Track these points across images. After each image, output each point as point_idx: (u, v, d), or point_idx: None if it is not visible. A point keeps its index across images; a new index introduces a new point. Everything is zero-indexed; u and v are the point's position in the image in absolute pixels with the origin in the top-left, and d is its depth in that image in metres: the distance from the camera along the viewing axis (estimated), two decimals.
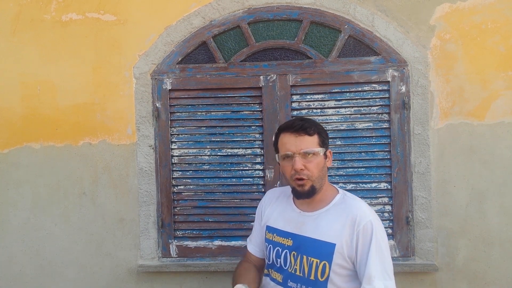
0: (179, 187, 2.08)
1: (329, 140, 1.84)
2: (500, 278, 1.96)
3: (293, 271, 1.37)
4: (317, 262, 1.32)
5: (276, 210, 1.50)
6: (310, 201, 1.39)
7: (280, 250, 1.42)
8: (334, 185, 1.47)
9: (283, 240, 1.41)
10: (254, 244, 1.61)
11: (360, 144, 1.99)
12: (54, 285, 2.13)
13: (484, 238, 1.96)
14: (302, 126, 1.35)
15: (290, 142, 1.35)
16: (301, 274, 1.34)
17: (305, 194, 1.36)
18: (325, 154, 1.39)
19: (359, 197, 1.96)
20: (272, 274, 1.45)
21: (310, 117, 1.99)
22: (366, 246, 1.27)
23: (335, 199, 1.39)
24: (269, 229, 1.49)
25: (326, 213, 1.37)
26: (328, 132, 1.97)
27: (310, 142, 1.35)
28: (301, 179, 1.34)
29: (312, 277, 1.32)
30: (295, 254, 1.37)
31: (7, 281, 2.14)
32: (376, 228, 1.28)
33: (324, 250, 1.31)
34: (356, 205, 1.34)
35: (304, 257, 1.34)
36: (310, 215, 1.39)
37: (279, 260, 1.41)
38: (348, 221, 1.31)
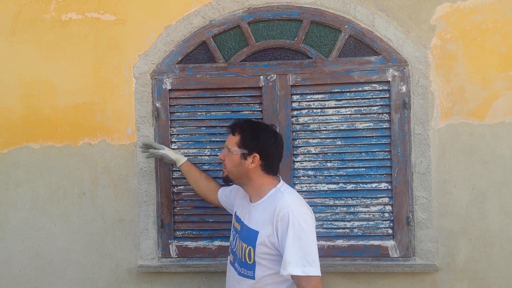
0: (179, 187, 2.07)
1: (329, 140, 1.99)
2: (501, 278, 1.96)
3: (237, 253, 1.59)
4: (245, 246, 1.53)
5: (238, 198, 1.72)
6: (252, 194, 1.60)
7: (234, 233, 1.66)
8: (280, 181, 1.60)
9: (236, 225, 1.65)
10: (223, 193, 1.87)
11: (360, 144, 1.98)
12: (54, 285, 2.12)
13: (484, 238, 1.96)
14: (232, 124, 1.63)
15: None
16: (240, 256, 1.56)
17: (223, 179, 1.65)
18: (244, 155, 1.54)
19: (360, 197, 1.99)
20: (229, 256, 1.67)
21: (310, 117, 2.01)
22: (284, 234, 1.41)
23: (269, 193, 1.55)
24: (234, 215, 1.70)
25: (259, 205, 1.55)
26: (328, 132, 2.00)
27: (231, 140, 1.59)
28: (224, 167, 1.63)
29: (243, 260, 1.53)
30: (238, 238, 1.60)
31: (6, 281, 2.14)
32: (294, 217, 1.42)
33: (250, 237, 1.51)
34: (282, 197, 1.49)
35: (240, 241, 1.57)
36: (252, 206, 1.58)
37: (233, 242, 1.65)
38: (271, 211, 1.48)
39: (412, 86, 1.96)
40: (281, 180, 1.61)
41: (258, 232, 1.49)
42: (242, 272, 1.54)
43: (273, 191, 1.55)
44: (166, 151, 1.94)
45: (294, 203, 1.47)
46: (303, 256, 1.39)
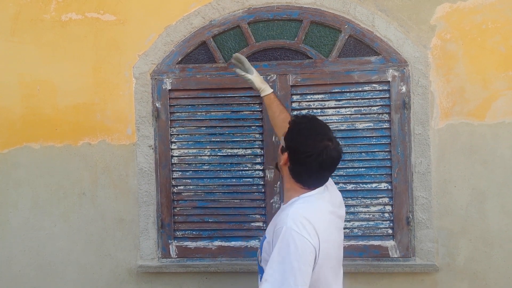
0: (179, 187, 2.07)
1: None
2: (501, 278, 1.96)
3: None
4: (258, 249, 1.42)
5: None
6: (283, 193, 1.47)
7: None
8: (310, 191, 1.36)
9: None
10: None
11: (360, 144, 1.98)
12: (54, 285, 2.12)
13: (484, 239, 1.96)
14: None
15: None
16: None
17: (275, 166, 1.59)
18: (282, 149, 1.38)
19: (360, 197, 1.99)
20: None
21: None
22: (272, 248, 1.25)
23: (291, 200, 1.38)
24: None
25: (280, 210, 1.43)
26: None
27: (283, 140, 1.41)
28: None
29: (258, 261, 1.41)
30: None
31: (7, 281, 2.14)
32: (285, 235, 1.22)
33: (261, 241, 1.39)
34: (289, 209, 1.30)
35: None
36: (280, 208, 1.46)
37: None
38: (276, 220, 1.34)
39: (412, 86, 1.96)
40: (316, 190, 1.35)
41: (265, 237, 1.36)
42: (259, 272, 1.43)
43: (294, 200, 1.35)
44: (252, 77, 1.77)
45: (293, 219, 1.25)
46: (280, 280, 1.19)
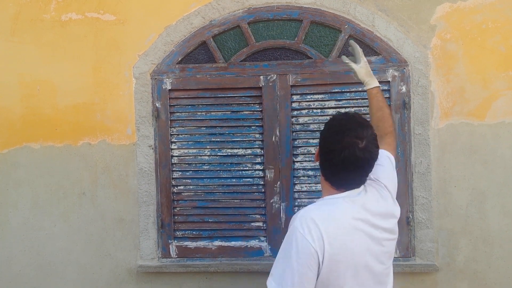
0: (179, 187, 2.07)
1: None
2: (501, 278, 1.96)
3: None
4: None
5: None
6: None
7: None
8: (338, 193, 1.30)
9: None
10: None
11: None
12: (54, 285, 2.12)
13: (484, 238, 1.96)
14: None
15: None
16: None
17: None
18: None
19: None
20: None
21: (310, 117, 2.01)
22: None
23: (318, 200, 1.35)
24: None
25: None
26: None
27: None
28: None
29: None
30: None
31: (7, 281, 2.13)
32: (290, 233, 1.22)
33: None
34: (304, 208, 1.28)
35: None
36: None
37: None
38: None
39: (412, 86, 1.96)
40: (347, 192, 1.27)
41: None
42: None
43: (318, 200, 1.32)
44: (356, 68, 1.65)
45: (301, 219, 1.22)
46: (281, 276, 1.19)
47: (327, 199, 1.29)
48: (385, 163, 1.45)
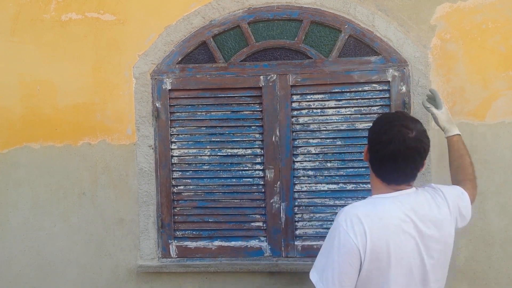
0: (179, 187, 2.07)
1: (329, 140, 1.95)
2: (501, 278, 1.96)
3: None
4: None
5: None
6: None
7: None
8: (390, 192, 1.28)
9: None
10: None
11: (360, 144, 1.98)
12: (54, 285, 2.12)
13: (484, 238, 1.96)
14: None
15: None
16: None
17: None
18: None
19: (360, 197, 1.99)
20: None
21: (310, 117, 2.01)
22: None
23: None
24: None
25: None
26: (328, 132, 2.00)
27: None
28: None
29: None
30: None
31: (7, 281, 2.13)
32: (334, 228, 1.23)
33: None
34: (350, 204, 1.29)
35: None
36: None
37: None
38: None
39: (412, 86, 1.96)
40: (396, 192, 1.26)
41: None
42: None
43: (366, 198, 1.31)
44: (438, 113, 1.66)
45: (345, 215, 1.22)
46: (323, 269, 1.21)
47: (375, 198, 1.27)
48: (457, 189, 1.44)
